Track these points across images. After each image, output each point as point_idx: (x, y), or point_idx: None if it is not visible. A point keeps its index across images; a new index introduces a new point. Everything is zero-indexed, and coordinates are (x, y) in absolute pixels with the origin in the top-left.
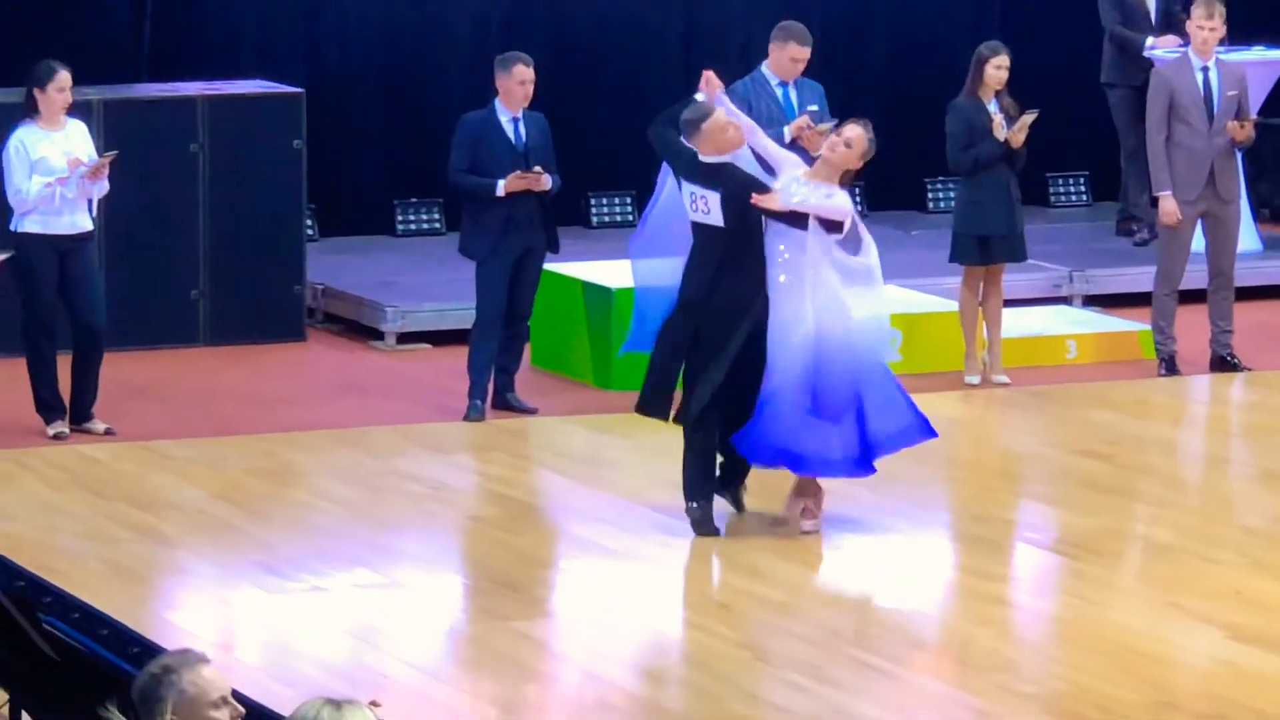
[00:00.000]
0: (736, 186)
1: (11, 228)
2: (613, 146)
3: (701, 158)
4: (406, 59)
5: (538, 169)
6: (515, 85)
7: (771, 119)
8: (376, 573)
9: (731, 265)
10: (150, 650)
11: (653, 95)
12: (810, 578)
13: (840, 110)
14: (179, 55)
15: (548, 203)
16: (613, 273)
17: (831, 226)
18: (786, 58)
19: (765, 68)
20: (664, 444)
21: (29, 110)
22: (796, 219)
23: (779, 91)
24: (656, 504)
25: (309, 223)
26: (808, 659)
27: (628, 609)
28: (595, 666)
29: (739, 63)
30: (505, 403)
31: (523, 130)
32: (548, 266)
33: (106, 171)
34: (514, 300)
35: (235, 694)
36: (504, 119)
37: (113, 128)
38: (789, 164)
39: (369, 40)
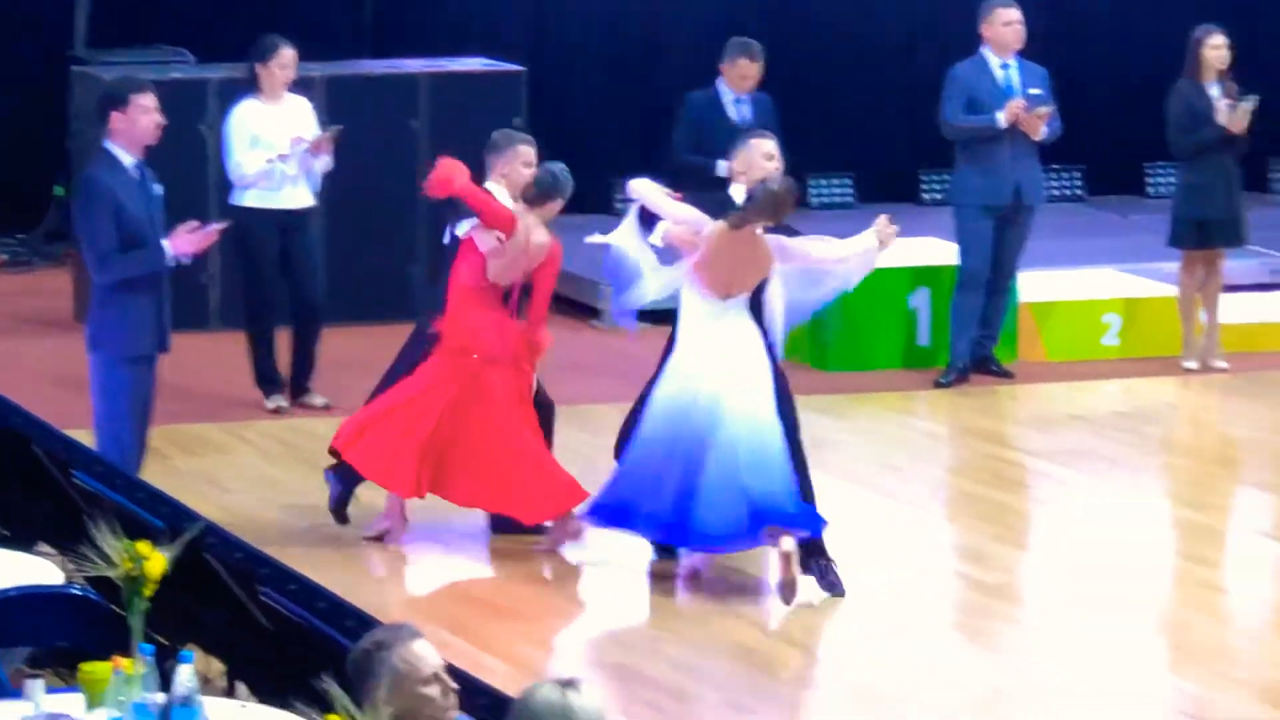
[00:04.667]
0: None
1: (231, 202)
2: (832, 128)
3: None
4: (629, 36)
5: None
6: (737, 78)
7: (990, 100)
8: (598, 550)
9: None
10: (366, 624)
11: (876, 74)
12: (1024, 559)
13: (1060, 93)
14: (403, 32)
15: None
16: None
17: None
18: (1001, 31)
19: (985, 49)
20: (883, 427)
21: (251, 85)
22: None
23: (1000, 73)
24: (876, 485)
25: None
26: (1023, 641)
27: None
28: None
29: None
30: None
31: (746, 110)
32: None
33: (330, 147)
34: None
35: (449, 668)
36: (727, 99)
37: (334, 104)
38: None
39: (592, 18)
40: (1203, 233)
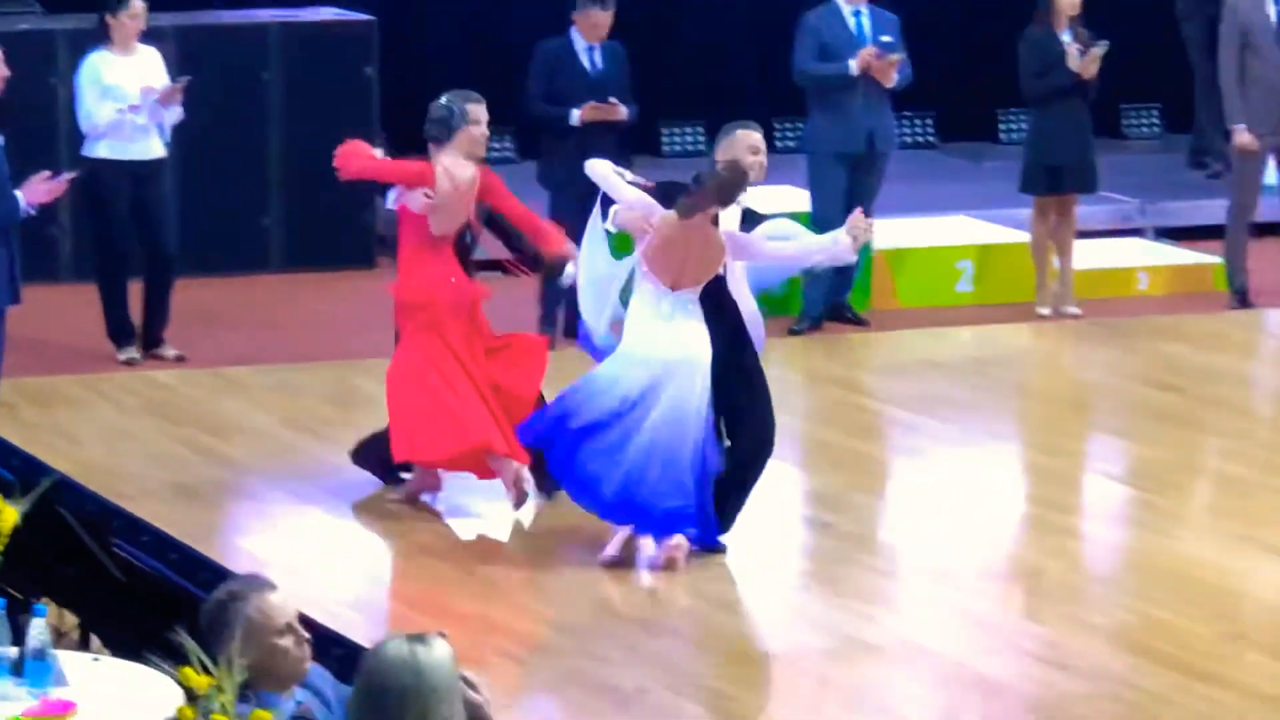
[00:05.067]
0: None
1: (83, 153)
2: (684, 76)
3: None
4: None
5: (613, 100)
6: (589, 27)
7: (842, 48)
8: (457, 500)
9: None
10: (219, 575)
11: (728, 22)
12: (880, 507)
13: (911, 40)
14: None
15: (623, 132)
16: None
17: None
18: None
19: None
20: None
21: (102, 36)
22: None
23: (852, 20)
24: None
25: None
26: (879, 589)
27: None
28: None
29: None
30: (574, 329)
31: (599, 60)
32: None
33: (180, 98)
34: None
35: (302, 619)
36: (580, 48)
37: (186, 54)
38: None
39: None
40: (1055, 178)
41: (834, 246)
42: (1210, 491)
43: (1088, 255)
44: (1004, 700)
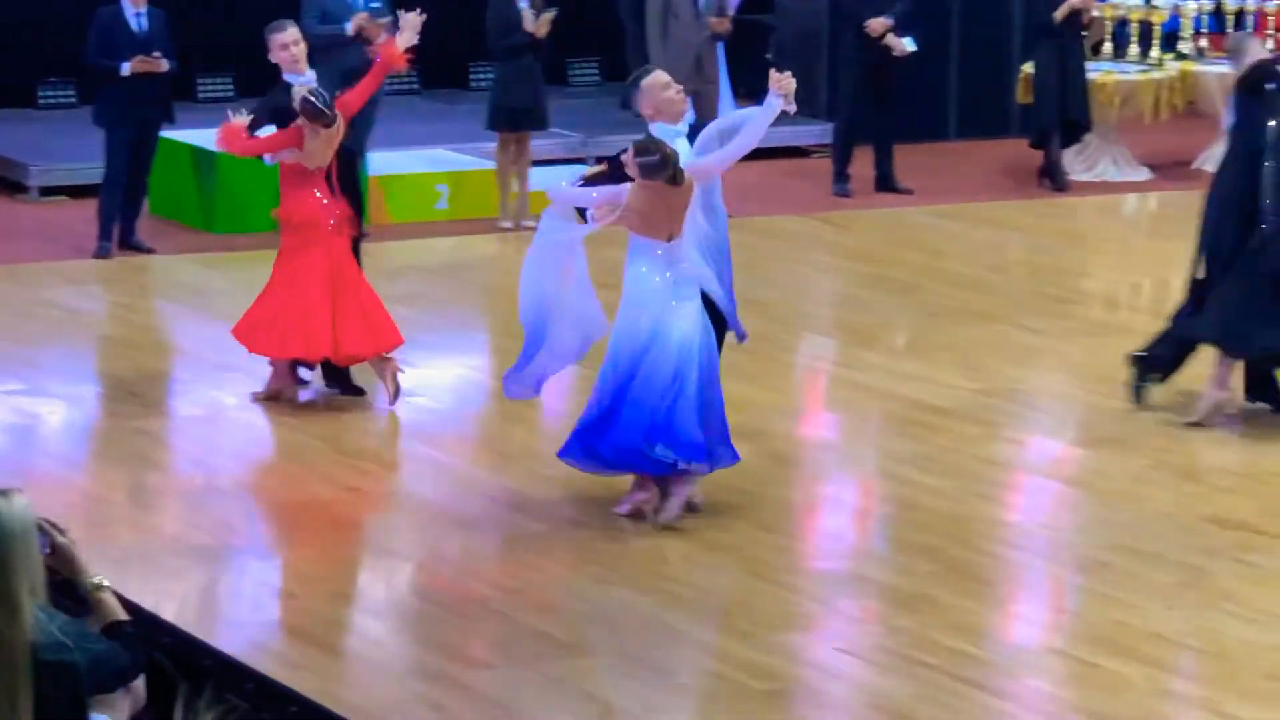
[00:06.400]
0: None
1: None
2: (215, 32)
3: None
4: None
5: (156, 54)
6: None
7: (339, 13)
8: (23, 381)
9: None
10: None
11: None
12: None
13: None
14: None
15: (165, 82)
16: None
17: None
18: None
19: None
20: (259, 277)
21: None
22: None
23: None
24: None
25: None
26: (374, 450)
27: (233, 411)
28: (204, 457)
29: None
30: (130, 244)
31: (145, 22)
32: (163, 134)
33: None
34: (136, 160)
35: None
36: (129, 13)
37: None
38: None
39: None
40: (514, 118)
41: (770, 111)
42: None
43: (541, 179)
44: (478, 536)
